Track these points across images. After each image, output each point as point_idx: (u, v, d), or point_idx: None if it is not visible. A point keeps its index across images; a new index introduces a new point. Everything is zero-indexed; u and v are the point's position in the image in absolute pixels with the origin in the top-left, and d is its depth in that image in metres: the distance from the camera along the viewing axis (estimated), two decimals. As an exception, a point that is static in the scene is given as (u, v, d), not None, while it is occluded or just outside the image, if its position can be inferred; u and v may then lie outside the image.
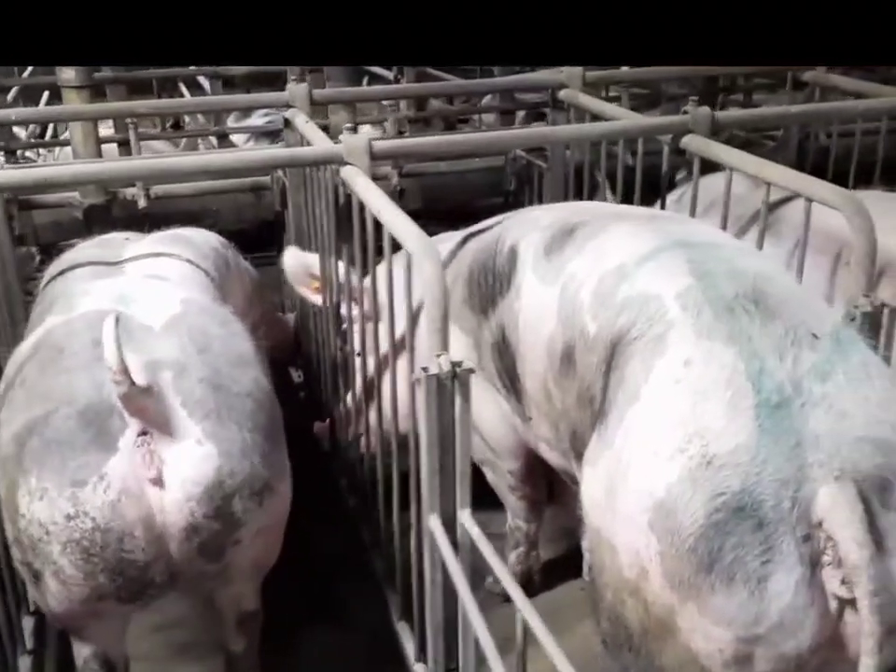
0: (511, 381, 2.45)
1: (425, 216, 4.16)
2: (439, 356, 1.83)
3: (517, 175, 4.07)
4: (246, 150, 4.03)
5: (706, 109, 2.63)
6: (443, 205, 4.08)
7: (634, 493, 1.72)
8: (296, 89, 3.18)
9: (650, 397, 1.78)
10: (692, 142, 2.61)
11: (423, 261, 1.82)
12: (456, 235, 2.93)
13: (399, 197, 4.04)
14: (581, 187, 3.31)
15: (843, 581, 1.57)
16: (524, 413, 2.47)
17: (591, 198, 3.29)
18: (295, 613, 2.97)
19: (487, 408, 2.68)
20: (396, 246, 2.59)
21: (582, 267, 2.18)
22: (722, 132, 2.63)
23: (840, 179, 3.37)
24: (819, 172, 3.68)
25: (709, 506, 1.60)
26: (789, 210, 2.79)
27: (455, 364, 1.82)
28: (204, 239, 2.93)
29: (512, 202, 3.99)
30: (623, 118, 2.91)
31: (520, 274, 2.37)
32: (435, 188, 4.30)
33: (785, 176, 2.25)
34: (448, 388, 1.82)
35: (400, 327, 2.89)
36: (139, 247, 2.65)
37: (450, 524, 1.92)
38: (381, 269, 3.04)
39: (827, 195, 2.11)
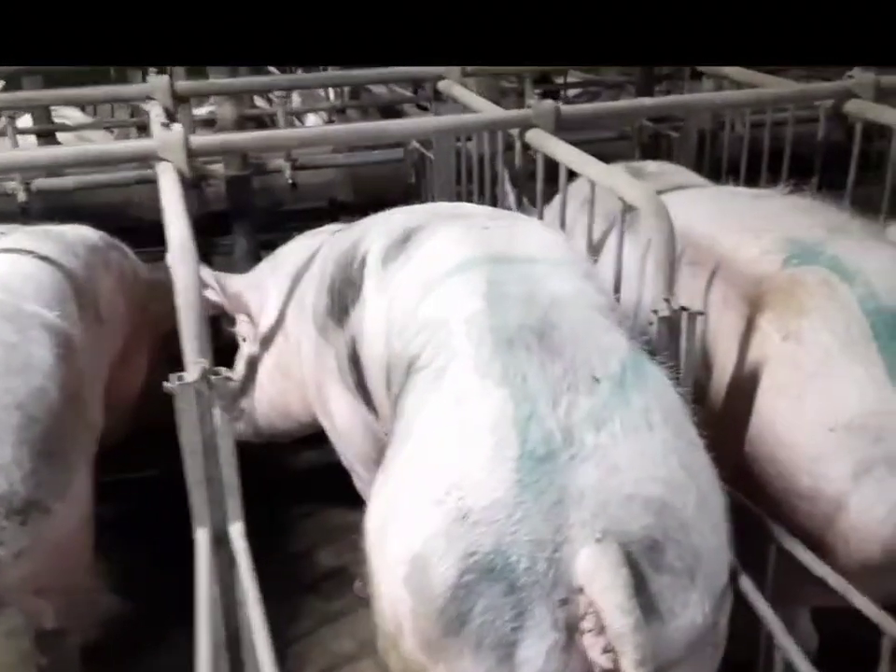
0: (365, 394, 2.33)
1: (357, 208, 4.09)
2: (195, 364, 1.76)
3: (415, 167, 3.99)
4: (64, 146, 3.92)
5: (548, 103, 2.54)
6: (382, 198, 3.98)
7: (395, 541, 1.60)
8: (156, 81, 3.09)
9: (421, 435, 1.65)
10: (534, 137, 2.53)
11: (177, 266, 1.75)
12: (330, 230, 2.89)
13: (291, 189, 3.98)
14: (480, 178, 3.21)
15: (605, 650, 1.45)
16: (382, 426, 2.34)
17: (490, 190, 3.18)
18: (157, 617, 2.91)
19: (349, 419, 2.56)
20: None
21: (404, 279, 2.06)
22: (564, 127, 2.54)
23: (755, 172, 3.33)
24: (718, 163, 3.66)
25: (461, 565, 1.48)
26: None
27: (210, 373, 1.75)
28: (79, 237, 2.83)
29: (413, 195, 3.91)
30: (483, 110, 2.83)
31: (365, 283, 2.23)
32: (367, 179, 4.21)
33: (601, 174, 2.17)
34: (206, 397, 1.76)
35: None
36: (3, 242, 2.57)
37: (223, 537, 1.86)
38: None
39: (631, 193, 2.03)
